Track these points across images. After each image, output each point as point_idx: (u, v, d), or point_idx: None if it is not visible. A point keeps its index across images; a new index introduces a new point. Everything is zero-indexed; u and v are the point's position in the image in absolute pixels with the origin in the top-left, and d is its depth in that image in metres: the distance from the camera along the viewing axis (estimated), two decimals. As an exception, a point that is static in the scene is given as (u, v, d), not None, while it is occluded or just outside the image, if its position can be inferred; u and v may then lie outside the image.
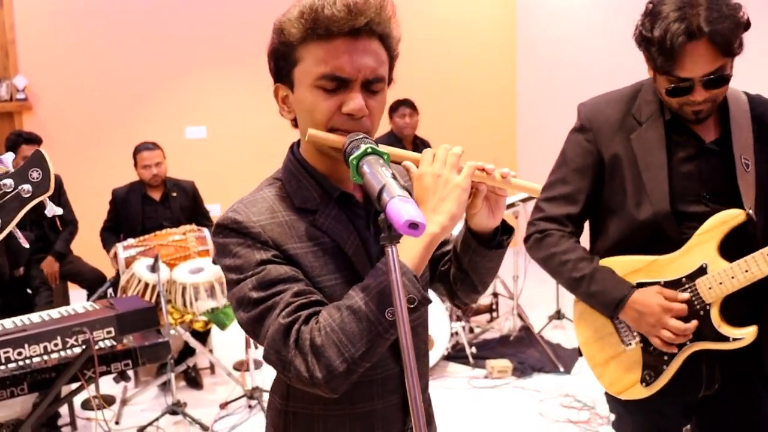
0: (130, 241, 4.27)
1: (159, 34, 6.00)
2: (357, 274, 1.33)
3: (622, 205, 1.92)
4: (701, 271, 1.84)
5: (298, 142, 1.42)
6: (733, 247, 1.82)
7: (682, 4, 1.71)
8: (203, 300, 3.92)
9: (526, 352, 4.67)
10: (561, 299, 5.12)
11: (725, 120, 1.89)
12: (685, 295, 1.86)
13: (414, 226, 0.97)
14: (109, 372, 3.09)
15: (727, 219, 1.82)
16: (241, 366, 4.46)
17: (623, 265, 1.94)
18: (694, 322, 1.83)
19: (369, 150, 1.15)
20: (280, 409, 1.42)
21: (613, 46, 5.40)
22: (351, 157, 1.15)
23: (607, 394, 2.09)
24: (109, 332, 2.98)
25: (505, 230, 1.43)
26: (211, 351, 4.38)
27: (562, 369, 4.44)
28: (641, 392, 1.94)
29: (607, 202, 1.97)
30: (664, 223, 1.86)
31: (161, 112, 6.11)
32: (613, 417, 2.16)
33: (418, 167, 1.27)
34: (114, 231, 4.63)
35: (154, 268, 3.86)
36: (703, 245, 1.84)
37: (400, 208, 0.99)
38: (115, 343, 3.06)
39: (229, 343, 4.65)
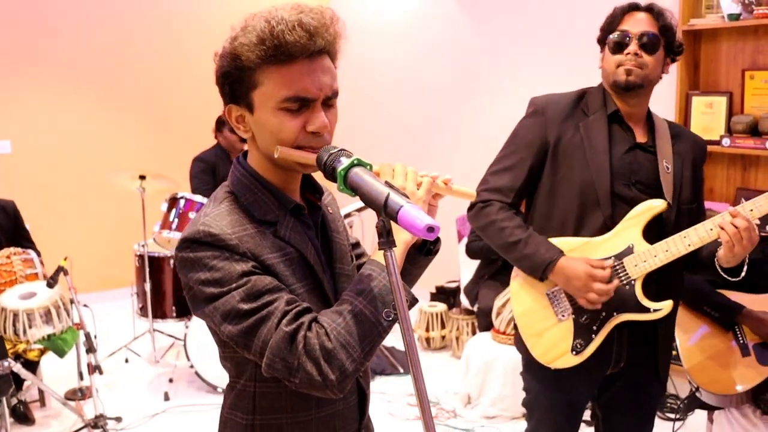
0: (-56, 267, 3.85)
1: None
2: (318, 281, 1.39)
3: (566, 183, 2.19)
4: (628, 251, 2.14)
5: (245, 154, 1.44)
6: (650, 233, 2.13)
7: None
8: (38, 327, 3.64)
9: (366, 357, 4.83)
10: (393, 304, 5.34)
11: (652, 131, 2.24)
12: (610, 262, 2.13)
13: (431, 230, 1.07)
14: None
15: (652, 207, 2.14)
16: (74, 395, 4.19)
17: (560, 245, 2.18)
18: (615, 282, 2.11)
19: (355, 161, 1.22)
20: (245, 424, 1.43)
21: (416, 63, 5.80)
22: (339, 169, 1.21)
23: (523, 373, 2.35)
24: (-50, 368, 2.71)
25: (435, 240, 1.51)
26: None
27: (401, 370, 4.67)
28: (571, 360, 2.18)
29: (547, 185, 2.22)
30: (603, 199, 2.14)
31: (-42, 126, 5.53)
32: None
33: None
34: None
35: (-20, 296, 3.53)
36: (630, 229, 2.14)
37: (415, 214, 1.08)
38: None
39: (59, 372, 4.34)
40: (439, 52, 5.74)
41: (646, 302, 2.13)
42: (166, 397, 4.25)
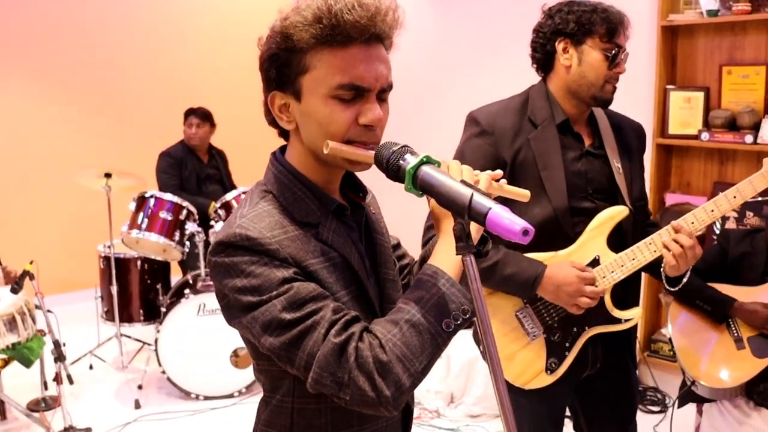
0: None
1: None
2: (363, 287, 1.30)
3: (523, 204, 2.07)
4: (595, 262, 2.07)
5: (282, 149, 1.34)
6: (609, 239, 2.07)
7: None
8: (2, 335, 3.43)
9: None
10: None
11: (596, 129, 2.16)
12: (590, 268, 2.06)
13: (526, 233, 0.99)
14: None
15: (615, 215, 2.07)
16: (36, 406, 3.98)
17: None
18: (603, 285, 2.05)
19: (425, 159, 1.14)
20: None
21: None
22: (408, 168, 1.13)
23: None
24: None
25: (481, 240, 1.43)
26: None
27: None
28: (546, 380, 2.11)
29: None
30: (562, 218, 2.05)
31: None
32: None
33: None
34: None
35: (-59, 304, 3.31)
36: (594, 239, 2.07)
37: (509, 216, 1.01)
38: None
39: (20, 382, 4.12)
40: (412, 47, 5.65)
41: (616, 313, 2.09)
42: (137, 405, 4.07)
